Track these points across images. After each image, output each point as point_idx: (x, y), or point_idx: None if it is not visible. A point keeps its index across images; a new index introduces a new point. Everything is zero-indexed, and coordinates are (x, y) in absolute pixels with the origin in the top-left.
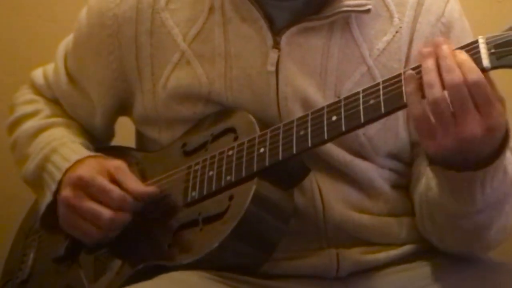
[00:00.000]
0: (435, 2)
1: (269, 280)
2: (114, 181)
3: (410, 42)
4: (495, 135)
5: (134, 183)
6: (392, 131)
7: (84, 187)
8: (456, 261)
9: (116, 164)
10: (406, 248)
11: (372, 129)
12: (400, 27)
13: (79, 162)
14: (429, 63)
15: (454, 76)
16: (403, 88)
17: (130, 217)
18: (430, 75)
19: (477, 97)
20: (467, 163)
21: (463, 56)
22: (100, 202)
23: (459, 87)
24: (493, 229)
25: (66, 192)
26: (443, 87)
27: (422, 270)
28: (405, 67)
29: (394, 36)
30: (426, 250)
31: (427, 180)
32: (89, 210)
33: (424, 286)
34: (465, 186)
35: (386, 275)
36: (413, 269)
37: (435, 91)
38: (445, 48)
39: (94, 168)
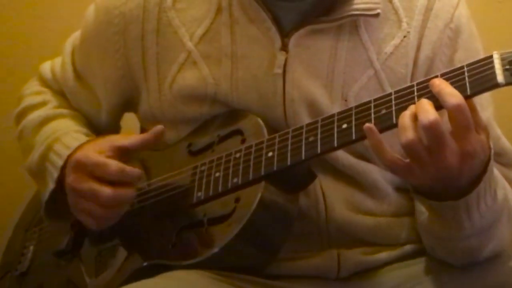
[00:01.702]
0: (443, 7)
1: (270, 280)
2: (115, 154)
3: (418, 47)
4: (473, 161)
5: (135, 137)
6: (397, 135)
7: (82, 168)
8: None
9: (110, 136)
10: (407, 248)
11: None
12: (408, 32)
13: (79, 147)
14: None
15: (429, 115)
16: (415, 100)
17: (133, 192)
18: (403, 119)
19: (455, 122)
20: (448, 191)
21: (442, 85)
22: (99, 180)
23: (435, 126)
24: (484, 251)
25: (70, 178)
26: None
27: (421, 268)
28: (412, 72)
29: (402, 40)
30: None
31: (417, 204)
32: (88, 189)
33: (423, 282)
34: (450, 214)
35: (387, 275)
36: (413, 267)
37: (408, 134)
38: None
39: (89, 148)
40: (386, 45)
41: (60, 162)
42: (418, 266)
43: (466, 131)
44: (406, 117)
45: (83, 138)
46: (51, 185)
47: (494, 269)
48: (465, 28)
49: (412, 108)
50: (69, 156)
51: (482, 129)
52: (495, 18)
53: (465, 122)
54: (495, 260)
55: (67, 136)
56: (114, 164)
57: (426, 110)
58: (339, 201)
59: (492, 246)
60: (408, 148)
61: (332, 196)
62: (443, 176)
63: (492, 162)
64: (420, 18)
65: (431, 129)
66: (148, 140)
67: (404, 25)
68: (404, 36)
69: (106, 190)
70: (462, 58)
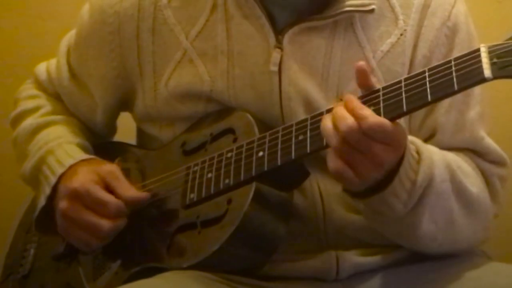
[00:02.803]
0: (441, 4)
1: (268, 282)
2: (108, 187)
3: (415, 46)
4: (401, 151)
5: (126, 189)
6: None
7: (79, 198)
8: (455, 262)
9: (109, 169)
10: (405, 249)
11: None
12: (405, 30)
13: (72, 168)
14: (325, 121)
15: (347, 122)
16: (403, 96)
17: (126, 221)
18: (326, 130)
19: (376, 137)
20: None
21: (353, 104)
22: (97, 213)
23: (352, 131)
24: (422, 228)
25: (63, 204)
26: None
27: (420, 270)
28: (409, 71)
29: (398, 38)
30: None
31: None
32: (89, 222)
33: (422, 284)
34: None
35: (386, 276)
36: (411, 269)
37: (334, 140)
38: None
39: (88, 177)
40: (382, 43)
41: (53, 180)
42: (416, 268)
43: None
44: (327, 125)
45: (76, 153)
46: (42, 202)
47: (485, 270)
48: (463, 27)
49: (329, 115)
50: (62, 175)
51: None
52: (494, 18)
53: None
54: (483, 262)
55: (60, 149)
56: (113, 204)
57: (343, 117)
58: (337, 202)
59: (430, 222)
60: (339, 153)
61: (330, 196)
62: (382, 170)
63: (408, 144)
64: (417, 16)
65: (352, 133)
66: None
67: (401, 23)
68: (401, 34)
69: (106, 225)
70: None
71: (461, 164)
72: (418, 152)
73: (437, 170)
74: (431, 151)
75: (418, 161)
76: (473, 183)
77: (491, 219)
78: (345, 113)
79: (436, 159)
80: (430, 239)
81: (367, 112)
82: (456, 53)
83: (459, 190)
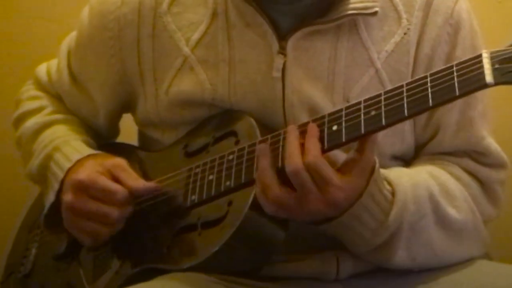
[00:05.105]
0: (443, 2)
1: (268, 282)
2: (115, 179)
3: (418, 44)
4: (337, 207)
5: (134, 180)
6: (398, 136)
7: (85, 189)
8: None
9: (116, 162)
10: None
11: (379, 133)
12: (408, 29)
13: (79, 162)
14: (263, 163)
15: (291, 162)
16: (405, 100)
17: (132, 208)
18: (265, 175)
19: (314, 176)
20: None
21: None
22: (104, 202)
23: (296, 173)
24: (395, 258)
25: (67, 197)
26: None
27: (421, 272)
28: (412, 70)
29: (402, 38)
30: None
31: None
32: (97, 210)
33: (423, 286)
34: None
35: (385, 277)
36: (412, 271)
37: (273, 188)
38: (290, 131)
39: (94, 169)
40: (386, 43)
41: (61, 175)
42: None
43: (325, 184)
44: (266, 171)
45: (82, 149)
46: (51, 198)
47: (485, 271)
48: (465, 24)
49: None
50: (69, 170)
51: (343, 174)
52: (494, 18)
53: (322, 177)
54: (482, 262)
55: (66, 145)
56: (121, 192)
57: (290, 155)
58: None
59: (409, 252)
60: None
61: None
62: (314, 217)
63: (372, 182)
64: (419, 15)
65: (293, 176)
66: (148, 191)
67: (404, 21)
68: (405, 33)
69: (115, 212)
70: (461, 55)
71: (449, 186)
72: (393, 193)
73: (415, 207)
74: (407, 187)
75: (392, 202)
76: (460, 207)
77: (486, 236)
78: (294, 151)
79: (415, 195)
80: (407, 270)
81: (313, 149)
82: (459, 51)
83: (444, 220)
